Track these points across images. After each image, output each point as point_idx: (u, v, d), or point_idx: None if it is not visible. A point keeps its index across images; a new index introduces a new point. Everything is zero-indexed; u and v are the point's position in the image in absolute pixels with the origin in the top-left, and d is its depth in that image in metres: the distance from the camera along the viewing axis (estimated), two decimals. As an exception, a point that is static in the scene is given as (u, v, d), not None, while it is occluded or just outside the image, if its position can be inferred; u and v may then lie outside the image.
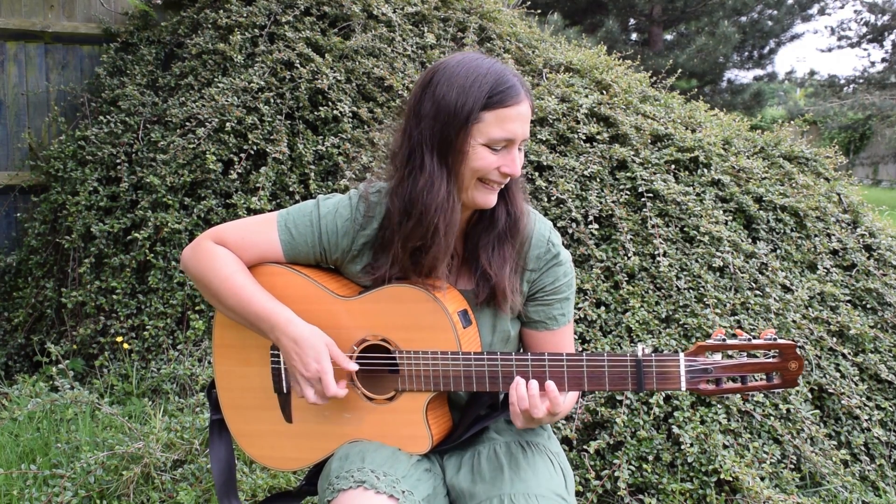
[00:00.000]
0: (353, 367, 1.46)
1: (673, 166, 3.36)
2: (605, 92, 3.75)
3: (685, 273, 3.02)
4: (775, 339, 1.35)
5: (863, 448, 2.80)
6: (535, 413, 1.38)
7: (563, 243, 1.63)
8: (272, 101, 3.55)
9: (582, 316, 2.89)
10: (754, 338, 1.36)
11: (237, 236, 1.52)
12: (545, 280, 1.54)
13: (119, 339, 3.30)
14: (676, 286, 2.96)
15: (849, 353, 2.96)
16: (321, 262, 1.57)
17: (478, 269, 1.50)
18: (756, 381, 1.37)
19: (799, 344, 2.92)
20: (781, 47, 17.52)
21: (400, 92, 3.57)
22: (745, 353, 1.37)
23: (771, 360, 1.36)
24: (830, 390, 2.85)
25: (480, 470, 1.50)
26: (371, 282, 1.52)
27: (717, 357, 1.36)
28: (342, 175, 3.33)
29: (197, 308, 3.33)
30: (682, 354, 1.37)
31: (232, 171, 3.39)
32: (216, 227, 1.55)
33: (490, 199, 1.44)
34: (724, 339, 1.36)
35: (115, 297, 3.37)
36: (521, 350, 1.67)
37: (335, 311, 1.50)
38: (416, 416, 1.48)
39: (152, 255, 3.37)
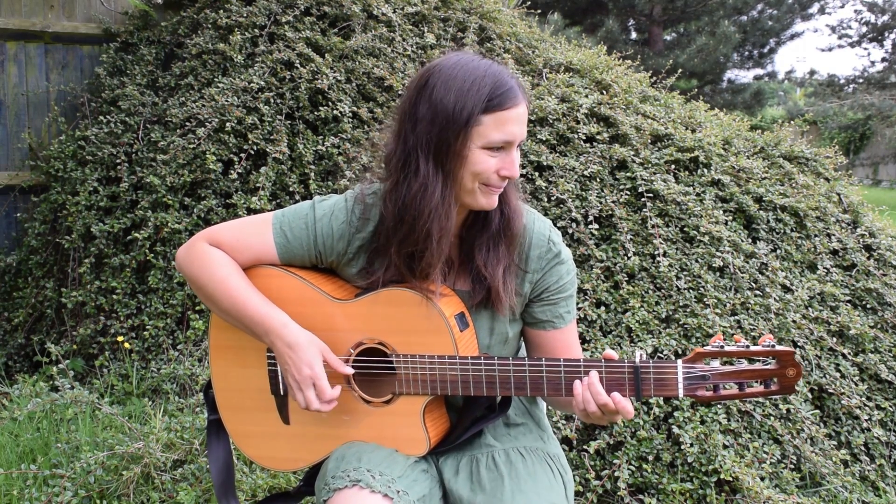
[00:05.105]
0: (348, 370, 1.45)
1: (673, 166, 3.36)
2: (605, 92, 3.75)
3: (685, 273, 3.02)
4: (773, 346, 1.34)
5: (863, 448, 2.80)
6: (599, 399, 1.37)
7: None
8: (272, 101, 3.55)
9: (582, 316, 2.88)
10: (753, 343, 1.36)
11: (232, 238, 1.52)
12: (549, 279, 1.54)
13: (120, 338, 3.30)
14: (676, 286, 2.96)
15: (849, 353, 2.96)
16: (317, 264, 1.56)
17: (473, 270, 1.49)
18: (754, 387, 1.37)
19: (798, 346, 2.92)
20: (781, 46, 17.53)
21: (400, 92, 3.57)
22: (744, 360, 1.37)
23: (769, 366, 1.36)
24: (830, 390, 2.85)
25: (480, 479, 1.49)
26: (367, 285, 1.51)
27: (716, 364, 1.36)
28: (342, 175, 3.33)
29: (197, 308, 3.33)
30: (679, 361, 1.36)
31: (232, 171, 3.39)
32: (211, 227, 1.54)
33: (493, 200, 1.44)
34: (722, 346, 1.35)
35: (115, 297, 3.37)
36: (525, 352, 1.67)
37: (331, 314, 1.49)
38: (413, 418, 1.48)
39: (152, 255, 3.37)
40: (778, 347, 1.34)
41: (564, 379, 1.40)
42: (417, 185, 1.39)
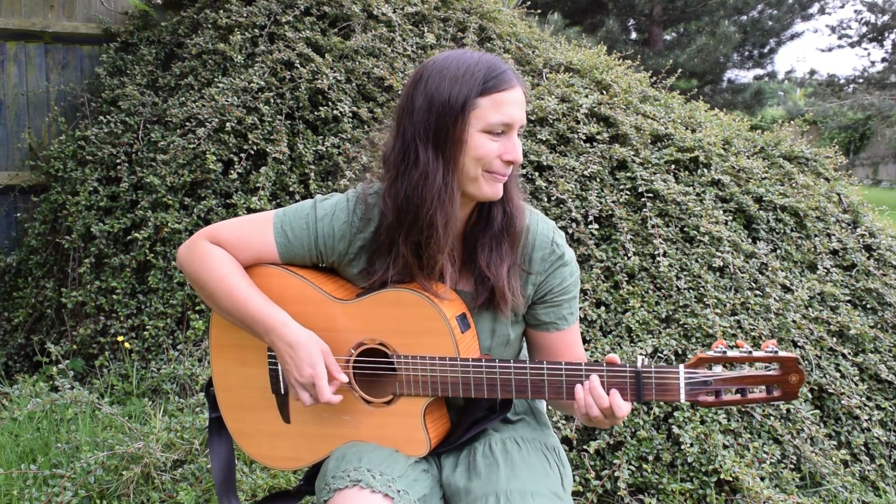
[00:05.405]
0: (343, 378, 1.45)
1: (673, 166, 3.36)
2: (605, 92, 3.75)
3: (685, 273, 3.02)
4: (776, 352, 1.33)
5: (863, 448, 2.80)
6: (601, 403, 1.37)
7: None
8: (272, 101, 3.55)
9: (582, 316, 2.89)
10: (756, 348, 1.35)
11: (233, 236, 1.51)
12: (553, 281, 1.53)
13: (120, 338, 3.30)
14: (676, 286, 2.96)
15: (849, 353, 2.96)
16: (318, 264, 1.56)
17: (476, 271, 1.49)
18: (756, 393, 1.36)
19: (798, 346, 2.92)
20: (781, 46, 17.54)
21: (400, 92, 3.57)
22: (746, 365, 1.35)
23: (771, 372, 1.34)
24: (830, 390, 2.86)
25: (476, 466, 1.49)
26: (368, 285, 1.51)
27: (718, 369, 1.35)
28: (342, 175, 3.33)
29: (197, 308, 3.33)
30: (681, 367, 1.35)
31: (232, 171, 3.39)
32: (211, 226, 1.54)
33: (498, 189, 1.43)
34: (724, 351, 1.34)
35: (115, 297, 3.37)
36: (527, 353, 1.66)
37: (332, 314, 1.49)
38: (414, 419, 1.47)
39: (152, 255, 3.37)
40: (781, 353, 1.33)
41: (566, 382, 1.40)
42: (418, 173, 1.39)
